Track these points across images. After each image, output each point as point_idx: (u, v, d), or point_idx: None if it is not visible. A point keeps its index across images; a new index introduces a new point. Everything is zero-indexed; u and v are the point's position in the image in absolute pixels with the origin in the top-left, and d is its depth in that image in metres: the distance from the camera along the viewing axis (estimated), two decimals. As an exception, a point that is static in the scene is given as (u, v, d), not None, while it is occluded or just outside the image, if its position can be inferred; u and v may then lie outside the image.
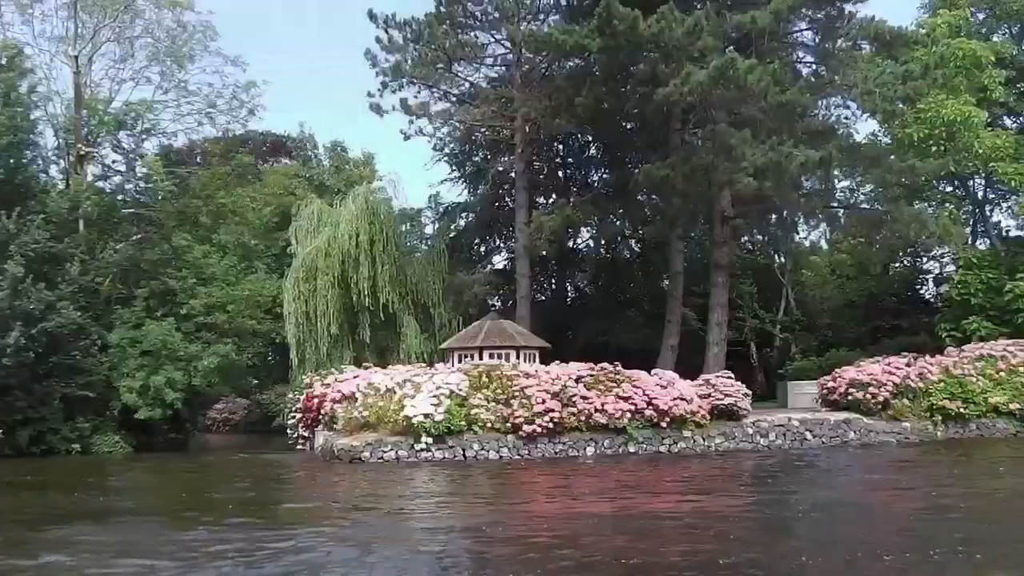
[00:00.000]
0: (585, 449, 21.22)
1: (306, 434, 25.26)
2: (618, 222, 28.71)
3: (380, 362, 25.34)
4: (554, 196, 31.62)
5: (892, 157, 25.62)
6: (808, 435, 22.53)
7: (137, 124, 26.59)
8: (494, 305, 28.32)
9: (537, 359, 25.41)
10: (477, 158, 32.21)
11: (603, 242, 35.01)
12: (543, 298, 34.78)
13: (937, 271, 35.45)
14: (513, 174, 29.22)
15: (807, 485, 16.42)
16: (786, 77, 22.63)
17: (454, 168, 33.20)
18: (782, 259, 40.21)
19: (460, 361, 24.86)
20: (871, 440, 22.76)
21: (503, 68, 29.50)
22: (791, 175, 22.45)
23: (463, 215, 33.45)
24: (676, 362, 27.25)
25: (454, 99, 28.97)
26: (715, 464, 19.34)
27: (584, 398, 21.57)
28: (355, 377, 22.94)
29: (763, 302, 40.31)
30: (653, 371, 23.19)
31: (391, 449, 20.65)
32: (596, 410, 21.42)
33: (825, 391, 24.28)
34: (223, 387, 27.59)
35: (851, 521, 11.69)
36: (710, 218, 27.07)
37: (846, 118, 27.45)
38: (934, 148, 26.52)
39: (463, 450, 20.74)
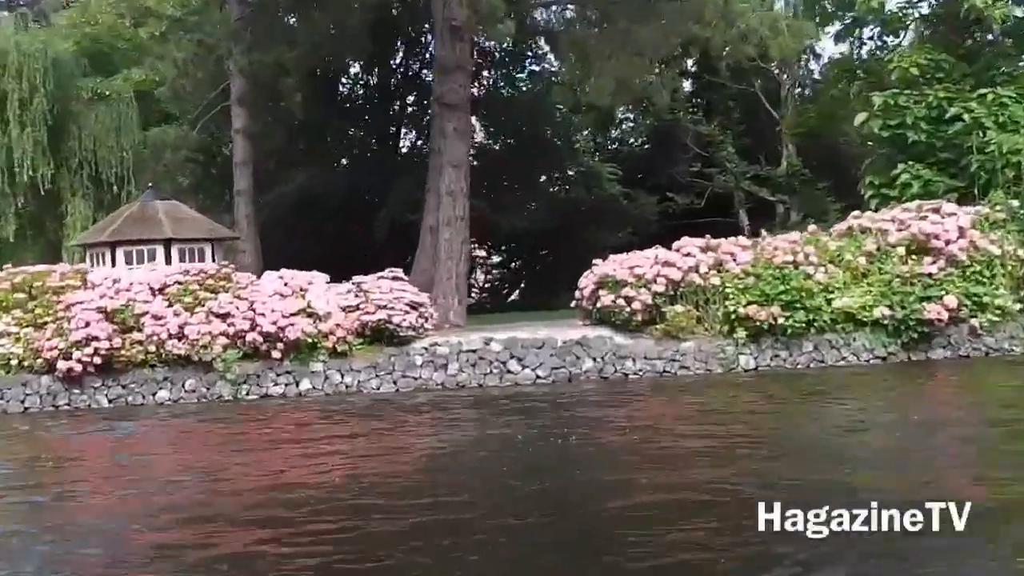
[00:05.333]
0: (155, 394, 17.20)
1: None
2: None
3: (52, 258, 22.41)
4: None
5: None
6: (515, 364, 17.47)
7: None
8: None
9: (212, 256, 21.19)
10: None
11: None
12: (343, 162, 30.01)
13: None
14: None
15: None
16: None
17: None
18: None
19: (95, 264, 21.15)
20: (621, 372, 17.46)
21: None
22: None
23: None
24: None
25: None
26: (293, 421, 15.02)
27: (158, 318, 17.47)
28: None
29: (757, 154, 33.96)
30: (280, 272, 18.63)
31: None
32: (171, 335, 17.24)
33: (578, 296, 18.91)
34: None
35: None
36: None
37: None
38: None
39: (-30, 400, 17.28)
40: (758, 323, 17.20)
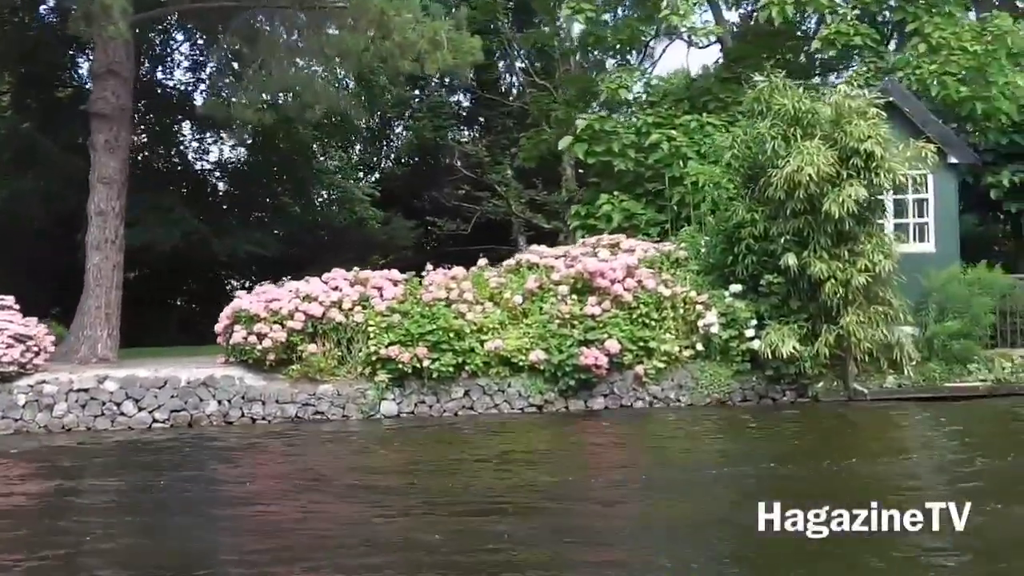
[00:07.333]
0: None
1: None
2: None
3: None
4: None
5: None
6: (130, 406, 16.98)
7: None
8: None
9: None
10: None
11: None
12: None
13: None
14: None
15: None
16: None
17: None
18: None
19: None
20: (249, 416, 17.13)
21: None
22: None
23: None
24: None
25: None
26: None
27: None
28: None
29: (534, 178, 33.98)
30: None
31: None
32: None
33: (216, 330, 18.57)
34: None
35: None
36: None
37: None
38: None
39: None
40: (401, 365, 17.00)
